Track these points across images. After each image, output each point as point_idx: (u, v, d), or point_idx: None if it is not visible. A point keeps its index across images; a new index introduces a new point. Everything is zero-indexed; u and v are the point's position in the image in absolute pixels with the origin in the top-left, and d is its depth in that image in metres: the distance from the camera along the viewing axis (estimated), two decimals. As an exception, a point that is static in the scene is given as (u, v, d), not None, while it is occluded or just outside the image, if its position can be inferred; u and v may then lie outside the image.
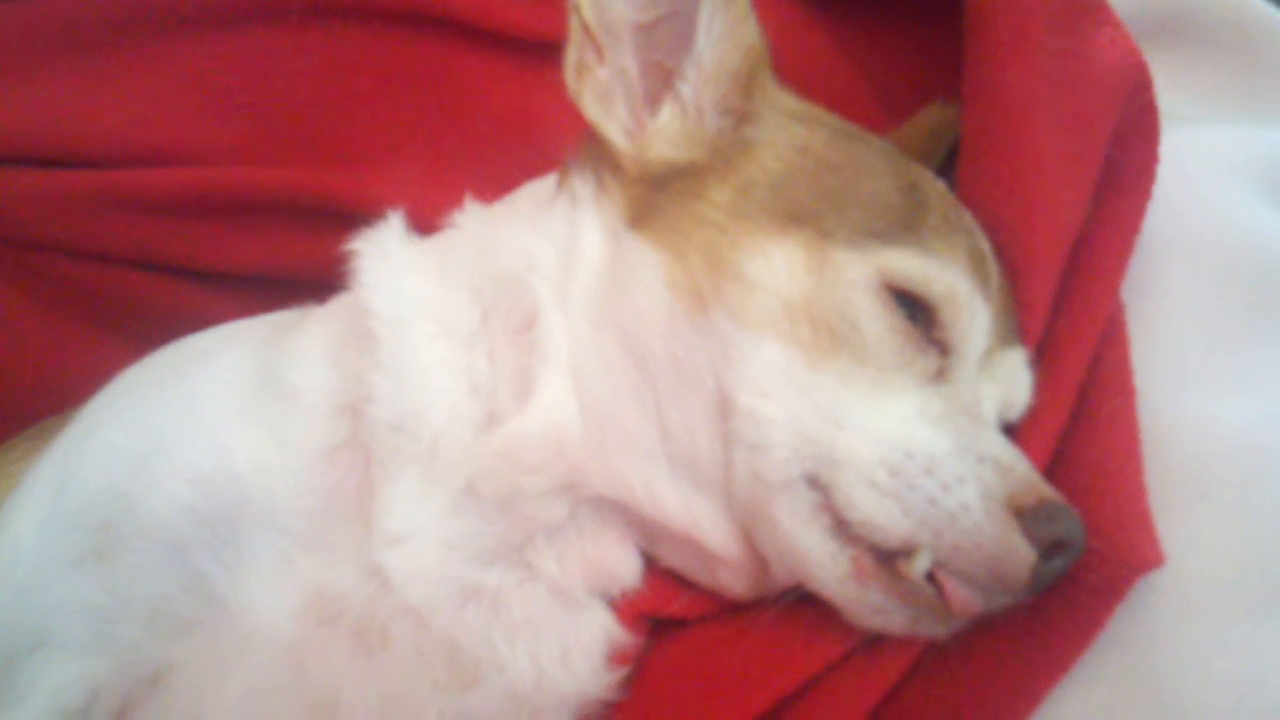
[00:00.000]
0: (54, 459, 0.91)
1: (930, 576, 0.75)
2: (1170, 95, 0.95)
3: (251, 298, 1.16)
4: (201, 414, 0.89)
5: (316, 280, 1.05)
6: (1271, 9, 1.09)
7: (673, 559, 0.87)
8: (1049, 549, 0.72)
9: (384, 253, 0.92)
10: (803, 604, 0.81)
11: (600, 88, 0.86)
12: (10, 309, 1.23)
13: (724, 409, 0.79)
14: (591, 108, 0.86)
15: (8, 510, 0.90)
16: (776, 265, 0.80)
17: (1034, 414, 0.83)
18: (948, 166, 0.96)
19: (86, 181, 1.17)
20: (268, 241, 1.18)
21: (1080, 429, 0.81)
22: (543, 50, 1.12)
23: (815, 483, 0.77)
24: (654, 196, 0.85)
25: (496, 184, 0.99)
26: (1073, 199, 0.86)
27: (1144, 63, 0.92)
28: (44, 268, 1.21)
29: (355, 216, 1.05)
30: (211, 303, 1.19)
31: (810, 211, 0.81)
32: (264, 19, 1.16)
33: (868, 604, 0.77)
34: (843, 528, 0.76)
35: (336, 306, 0.93)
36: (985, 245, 0.84)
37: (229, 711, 0.81)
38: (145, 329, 1.15)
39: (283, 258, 1.18)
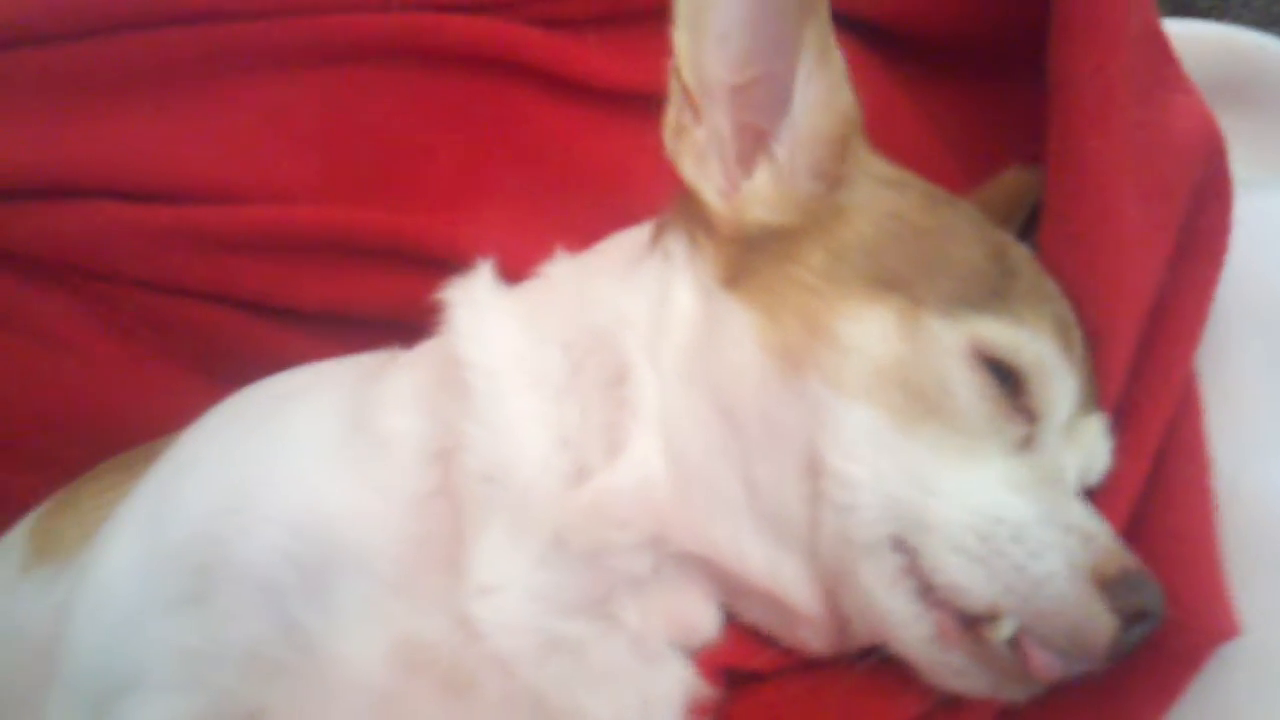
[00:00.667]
0: (145, 497, 0.93)
1: (1013, 642, 0.75)
2: (1242, 161, 0.96)
3: (327, 336, 1.18)
4: (293, 457, 0.90)
5: (390, 320, 1.08)
6: None
7: (753, 614, 0.88)
8: (1130, 618, 0.73)
9: (475, 301, 0.93)
10: (883, 663, 0.81)
11: (697, 148, 0.87)
12: (88, 341, 1.24)
13: (813, 469, 0.80)
14: (688, 168, 0.87)
15: (101, 546, 0.92)
16: (870, 330, 0.81)
17: (1112, 480, 0.83)
18: (1026, 230, 0.97)
19: (165, 217, 1.19)
20: (342, 281, 1.19)
21: (1156, 496, 0.82)
22: (624, 100, 1.15)
23: (901, 546, 0.78)
24: (747, 257, 0.87)
25: (575, 233, 1.00)
26: (1151, 266, 0.88)
27: (1218, 131, 0.94)
28: (122, 300, 1.23)
29: (430, 260, 1.08)
30: (287, 340, 1.21)
31: (903, 278, 0.83)
32: (343, 60, 1.18)
33: (949, 666, 0.78)
34: (927, 591, 0.77)
35: (426, 353, 0.94)
36: (1069, 312, 0.85)
37: None
38: (221, 364, 1.19)
39: (357, 297, 1.19)
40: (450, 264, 0.98)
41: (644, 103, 0.98)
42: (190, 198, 1.20)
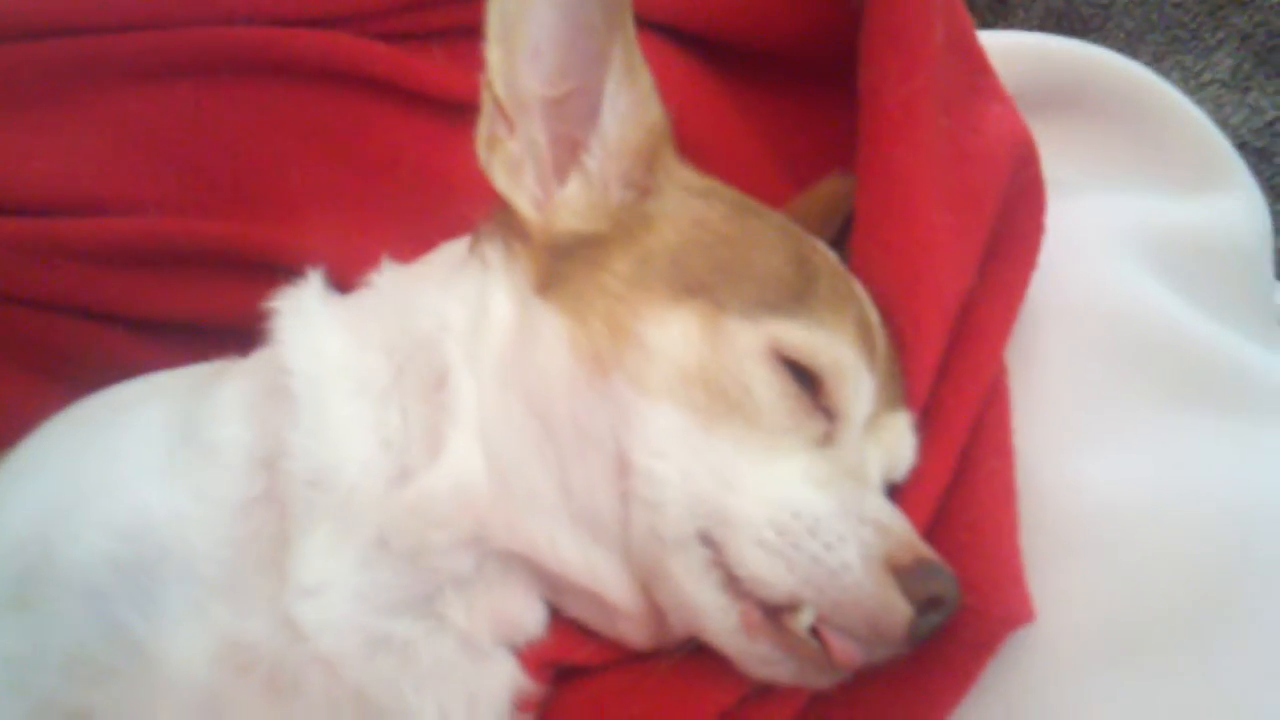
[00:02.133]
0: None
1: (814, 631, 0.77)
2: (1061, 164, 1.00)
3: (183, 345, 1.16)
4: (122, 466, 0.91)
5: (243, 329, 1.08)
6: (1162, 83, 1.14)
7: (576, 610, 0.90)
8: (925, 605, 0.76)
9: (302, 310, 0.94)
10: (700, 654, 0.84)
11: (510, 160, 0.90)
12: None
13: (623, 469, 0.82)
14: (501, 179, 0.89)
15: None
16: (673, 334, 0.83)
17: (917, 475, 0.86)
18: (844, 236, 0.99)
19: (16, 228, 1.18)
20: (197, 291, 1.19)
21: (960, 490, 0.85)
22: (459, 111, 1.16)
23: (708, 540, 0.80)
24: (560, 265, 0.89)
25: (416, 242, 1.02)
26: (959, 269, 0.91)
27: (1030, 138, 0.97)
28: None
29: (280, 269, 1.08)
30: (143, 350, 1.20)
31: (706, 283, 0.85)
32: (194, 73, 1.18)
33: (756, 655, 0.80)
34: (733, 583, 0.79)
35: (255, 363, 0.96)
36: (873, 314, 0.88)
37: None
38: (79, 374, 1.16)
39: (213, 307, 1.19)
40: (298, 273, 1.00)
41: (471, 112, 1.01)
42: (44, 210, 1.20)
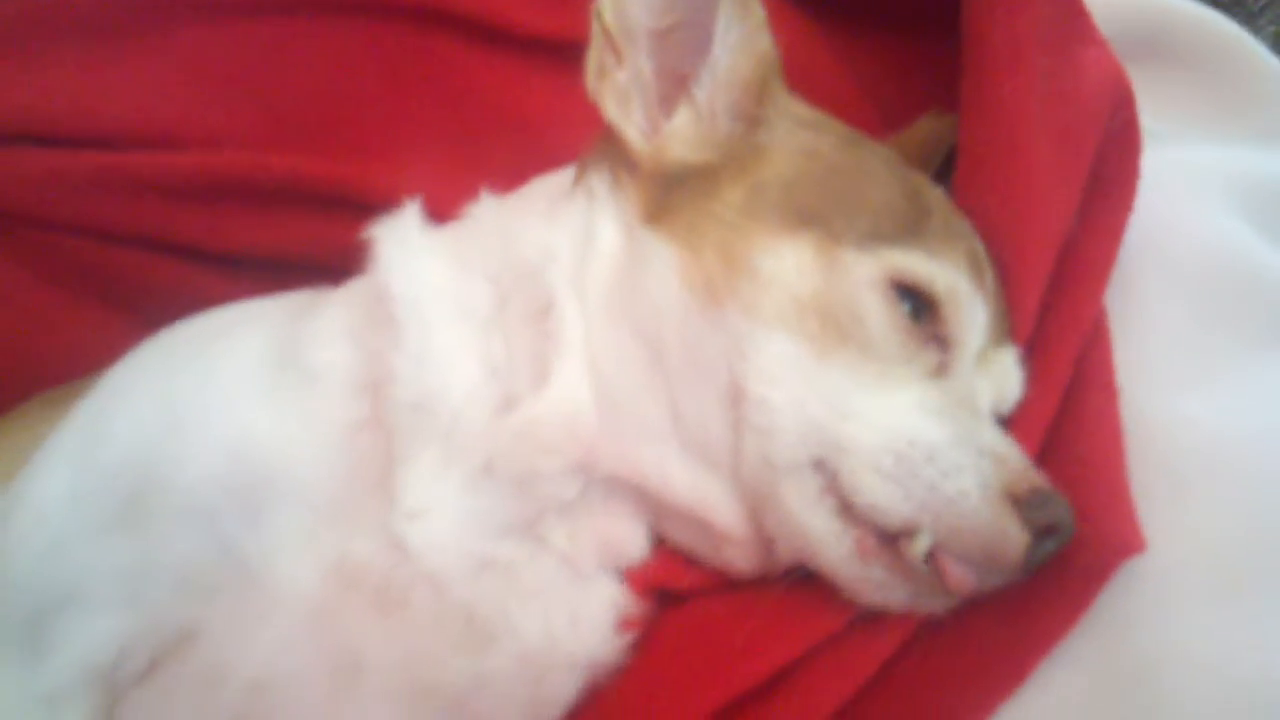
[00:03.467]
0: (77, 427, 0.95)
1: (929, 557, 0.78)
2: (1148, 111, 0.99)
3: (257, 281, 1.18)
4: (225, 389, 0.92)
5: (320, 265, 1.09)
6: (1247, 35, 1.15)
7: (680, 537, 0.91)
8: (1041, 533, 0.77)
9: (403, 239, 0.95)
10: (804, 582, 0.85)
11: (619, 90, 0.90)
12: (17, 287, 1.26)
13: (735, 397, 0.84)
14: (610, 109, 0.90)
15: (33, 472, 0.94)
16: (787, 263, 0.84)
17: (1024, 408, 0.88)
18: (943, 174, 1.00)
19: (95, 162, 1.20)
20: (274, 227, 1.21)
21: (1066, 424, 0.86)
22: (547, 48, 1.18)
23: (821, 467, 0.81)
24: (669, 195, 0.90)
25: (498, 178, 1.02)
26: (1061, 208, 0.92)
27: (1128, 82, 0.98)
28: (51, 246, 1.24)
29: (360, 205, 1.08)
30: (218, 284, 1.22)
31: (820, 213, 0.86)
32: (275, 10, 1.20)
33: (870, 581, 0.81)
34: (847, 510, 0.81)
35: (355, 289, 0.97)
36: (981, 249, 0.89)
37: (255, 668, 0.85)
38: (153, 307, 1.18)
39: (287, 242, 1.21)
40: (379, 208, 1.00)
41: (565, 51, 1.01)
42: (122, 144, 1.21)
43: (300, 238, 1.21)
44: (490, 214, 0.97)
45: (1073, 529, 0.78)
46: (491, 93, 1.20)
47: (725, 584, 0.91)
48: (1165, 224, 0.98)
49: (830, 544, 0.81)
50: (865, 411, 0.81)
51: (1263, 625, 0.78)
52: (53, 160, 1.21)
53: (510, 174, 1.03)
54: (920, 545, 0.78)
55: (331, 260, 1.04)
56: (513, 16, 1.17)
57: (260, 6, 1.20)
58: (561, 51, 1.08)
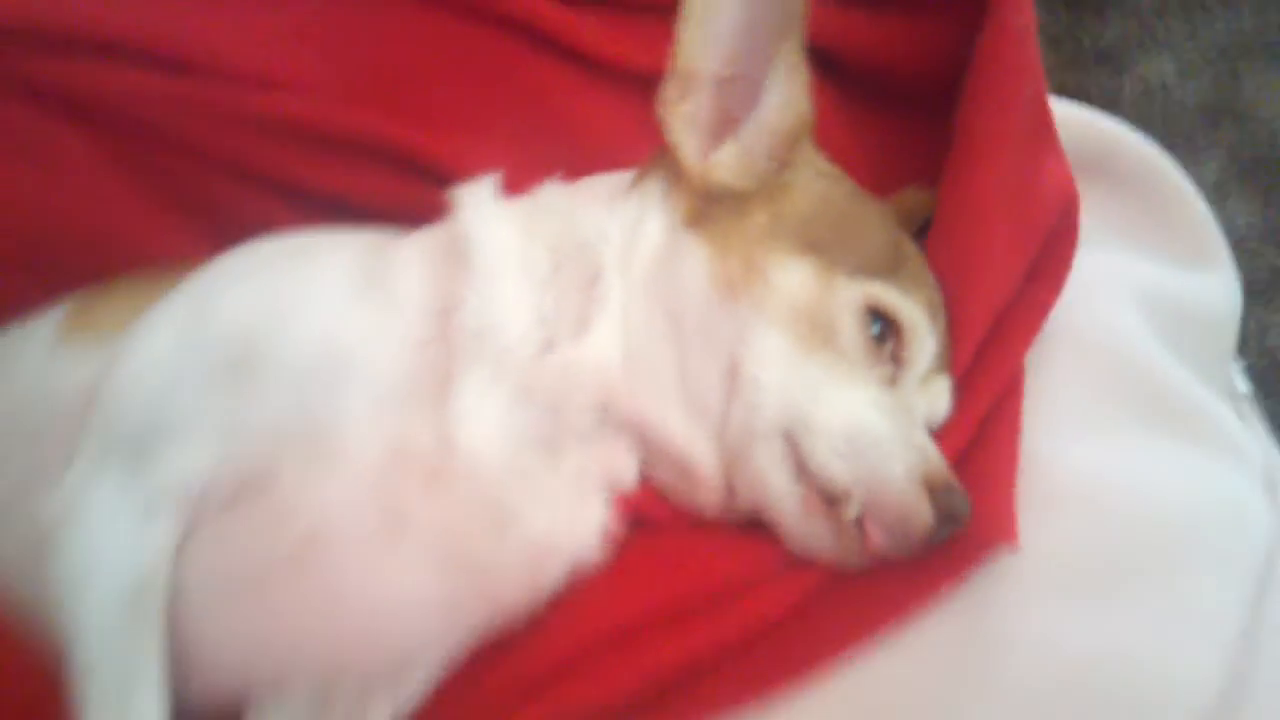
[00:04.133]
0: (186, 297, 1.11)
1: (858, 521, 0.98)
2: (1086, 220, 1.18)
3: (324, 219, 1.33)
4: (322, 290, 1.09)
5: (375, 214, 1.27)
6: (1180, 173, 1.33)
7: (663, 476, 1.10)
8: (944, 517, 0.95)
9: (482, 201, 1.13)
10: (753, 529, 1.05)
11: (682, 118, 1.09)
12: (107, 185, 1.40)
13: (733, 373, 1.03)
14: (674, 132, 1.09)
15: (143, 331, 1.09)
16: (793, 277, 1.05)
17: (947, 426, 1.06)
18: (918, 235, 1.20)
19: (200, 91, 1.35)
20: (345, 174, 1.36)
21: (977, 446, 1.05)
22: (615, 74, 1.35)
23: (789, 437, 1.00)
24: (708, 207, 1.09)
25: (547, 174, 1.20)
26: (1007, 281, 1.11)
27: (1075, 193, 1.17)
28: (144, 155, 1.39)
29: (424, 170, 1.28)
30: (283, 214, 1.36)
31: (823, 245, 1.06)
32: None
33: (808, 532, 1.00)
34: (803, 473, 1.00)
35: (433, 235, 1.14)
36: (939, 298, 1.10)
37: (318, 514, 1.02)
38: (228, 225, 1.32)
39: (355, 190, 1.36)
40: (440, 177, 1.20)
41: (630, 79, 1.24)
42: (225, 79, 1.36)
43: (366, 188, 1.36)
44: (556, 197, 1.16)
45: (968, 519, 0.96)
46: (559, 102, 1.36)
47: (690, 521, 1.09)
48: (1083, 312, 1.14)
49: (784, 497, 1.01)
50: (831, 400, 1.01)
51: (1097, 617, 0.95)
52: (153, 80, 1.35)
53: (552, 171, 1.21)
54: (853, 509, 0.97)
55: (395, 215, 1.23)
56: (590, 41, 1.35)
57: None
58: (628, 80, 1.29)
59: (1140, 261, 1.27)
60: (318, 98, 1.36)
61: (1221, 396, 1.25)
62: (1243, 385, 1.40)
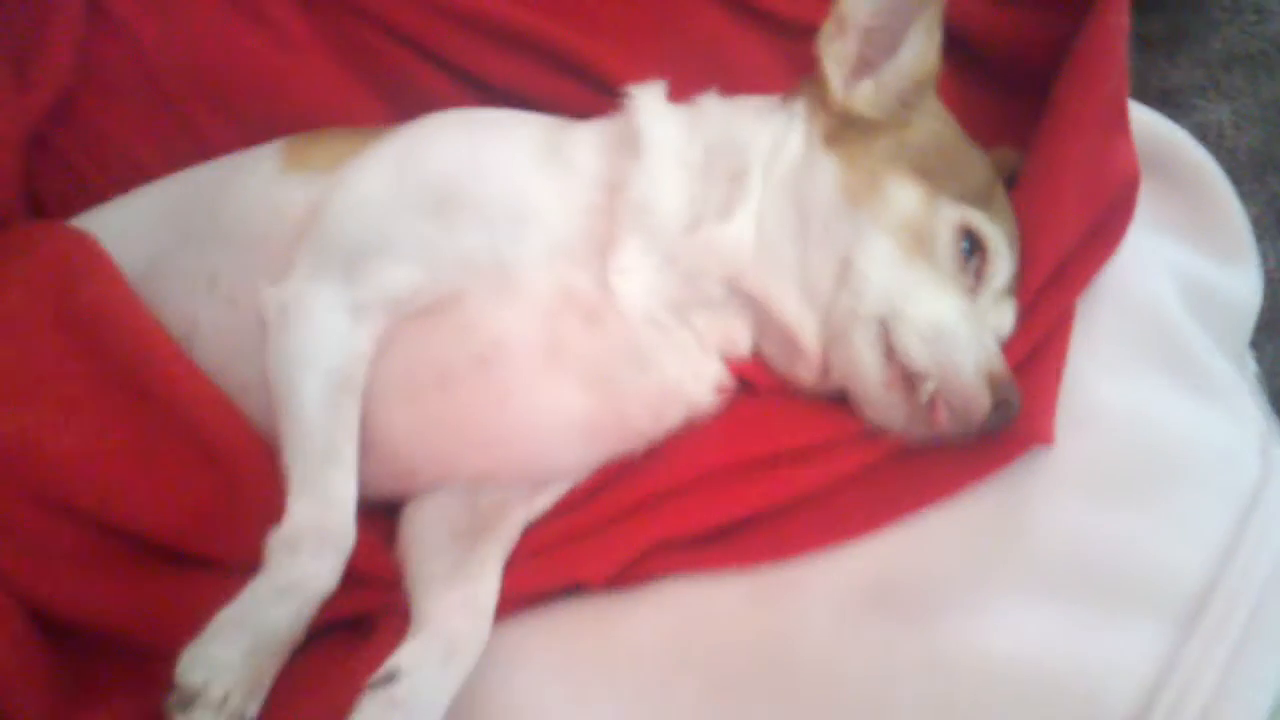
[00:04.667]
0: (398, 142, 1.31)
1: (930, 399, 1.12)
2: (1140, 206, 1.27)
3: (493, 103, 1.55)
4: (513, 151, 1.29)
5: (540, 106, 1.46)
6: (1224, 179, 1.46)
7: (770, 348, 1.29)
8: (998, 405, 1.10)
9: (653, 100, 1.33)
10: (841, 402, 1.24)
11: (835, 54, 1.28)
12: (311, 46, 1.63)
13: (845, 266, 1.20)
14: (827, 64, 1.28)
15: (359, 166, 1.29)
16: (906, 194, 1.23)
17: (1009, 342, 1.21)
18: (1005, 186, 1.35)
19: None
20: (524, 68, 1.57)
21: (1030, 362, 1.19)
22: (761, 17, 1.55)
23: (883, 324, 1.17)
24: (843, 130, 1.28)
25: (691, 92, 1.39)
26: (1072, 234, 1.24)
27: (1138, 174, 1.27)
28: (355, 36, 1.62)
29: (589, 76, 1.50)
30: (463, 99, 1.58)
31: (933, 173, 1.25)
32: None
33: (887, 403, 1.17)
34: (890, 354, 1.16)
35: (608, 123, 1.34)
36: (1017, 234, 1.28)
37: (498, 330, 1.22)
38: (409, 102, 1.54)
39: (529, 84, 1.57)
40: (611, 86, 1.38)
41: (775, 24, 1.46)
42: None
43: (540, 84, 1.57)
44: (715, 105, 1.36)
45: (1018, 409, 1.10)
46: (713, 36, 1.55)
47: (787, 391, 1.27)
48: (1127, 275, 1.27)
49: (872, 372, 1.18)
50: (922, 299, 1.19)
51: (1108, 514, 1.09)
52: None
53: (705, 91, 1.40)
54: (928, 388, 1.13)
55: (550, 105, 1.45)
56: None
57: None
58: (774, 24, 1.51)
59: (1181, 247, 1.39)
60: (510, 2, 1.56)
61: (1234, 371, 1.39)
62: (1253, 366, 1.58)
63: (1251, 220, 1.46)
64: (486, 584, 1.16)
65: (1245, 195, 1.49)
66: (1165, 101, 1.53)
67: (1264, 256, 2.58)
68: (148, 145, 1.65)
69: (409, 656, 1.08)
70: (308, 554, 1.10)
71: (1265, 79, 2.80)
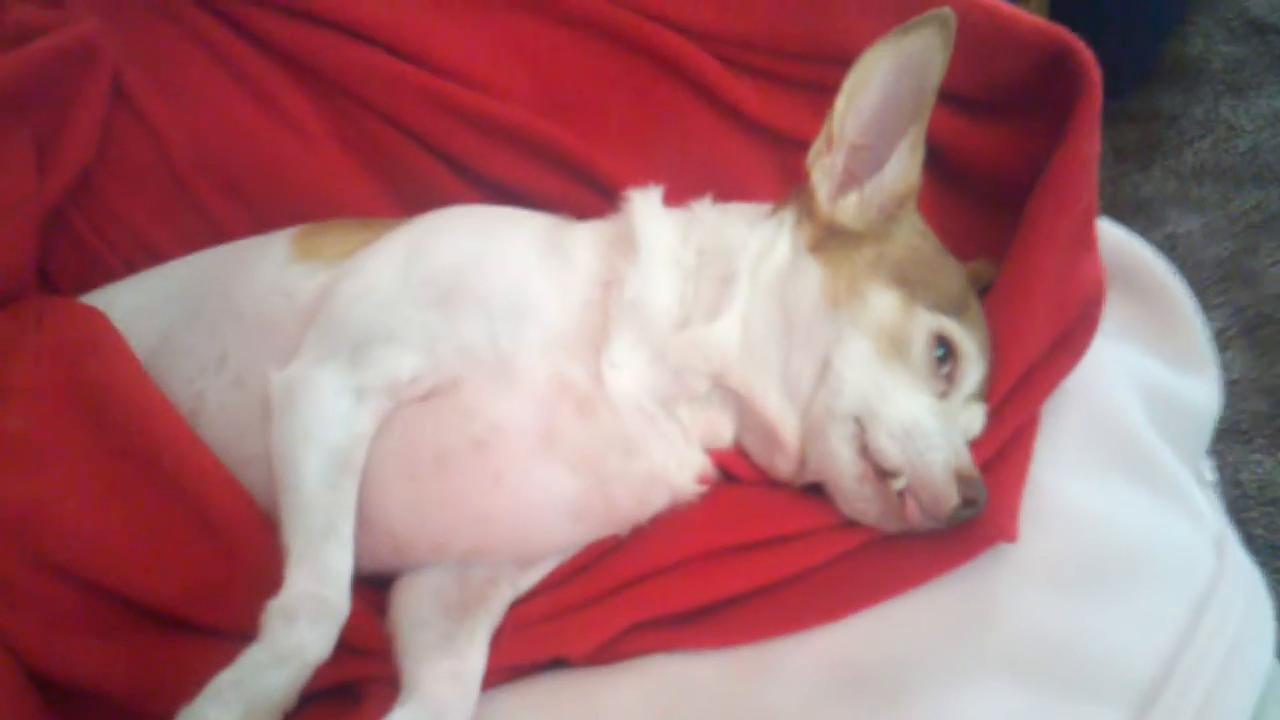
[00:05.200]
0: (407, 235, 1.38)
1: (901, 493, 1.17)
2: (1106, 313, 1.33)
3: (492, 200, 1.62)
4: (516, 248, 1.36)
5: (541, 207, 1.53)
6: (1182, 287, 1.52)
7: (750, 441, 1.35)
8: (965, 502, 1.14)
9: (649, 203, 1.40)
10: (814, 492, 1.30)
11: (822, 168, 1.36)
12: (317, 135, 1.69)
13: (824, 367, 1.25)
14: (815, 177, 1.36)
15: (369, 257, 1.36)
16: (885, 301, 1.29)
17: (977, 443, 1.26)
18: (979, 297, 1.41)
19: (421, 79, 1.64)
20: (526, 169, 1.64)
21: (996, 462, 1.24)
22: (756, 128, 1.62)
23: (859, 421, 1.22)
24: (828, 239, 1.35)
25: (684, 196, 1.47)
26: (1041, 343, 1.30)
27: (1104, 289, 1.33)
28: (355, 116, 1.68)
29: (591, 179, 1.57)
30: (468, 196, 1.65)
31: (911, 283, 1.31)
32: (579, 26, 1.65)
33: (860, 495, 1.21)
34: (864, 450, 1.21)
35: (606, 223, 1.42)
36: (989, 342, 1.34)
37: (495, 416, 1.28)
38: (410, 192, 1.64)
39: (531, 185, 1.64)
40: (610, 189, 1.48)
41: (769, 137, 1.53)
42: (443, 72, 1.65)
43: (540, 184, 1.64)
44: (708, 211, 1.43)
45: (984, 506, 1.15)
46: (709, 144, 1.63)
47: (766, 482, 1.31)
48: (1092, 382, 1.34)
49: (847, 467, 1.22)
50: (896, 399, 1.25)
51: (1067, 607, 1.14)
52: (383, 61, 1.64)
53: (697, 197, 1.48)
54: (899, 483, 1.18)
55: (548, 204, 1.51)
56: (740, 98, 1.62)
57: (570, 19, 1.65)
58: (767, 137, 1.58)
59: (1144, 357, 1.45)
60: (516, 104, 1.64)
61: (1191, 475, 1.45)
62: (1209, 474, 1.66)
63: (1217, 329, 1.53)
64: (474, 656, 1.21)
65: (1211, 305, 1.55)
66: (1138, 211, 1.60)
67: (1229, 365, 2.67)
68: (161, 228, 1.72)
69: None
70: (304, 623, 1.13)
71: (1235, 193, 2.92)
